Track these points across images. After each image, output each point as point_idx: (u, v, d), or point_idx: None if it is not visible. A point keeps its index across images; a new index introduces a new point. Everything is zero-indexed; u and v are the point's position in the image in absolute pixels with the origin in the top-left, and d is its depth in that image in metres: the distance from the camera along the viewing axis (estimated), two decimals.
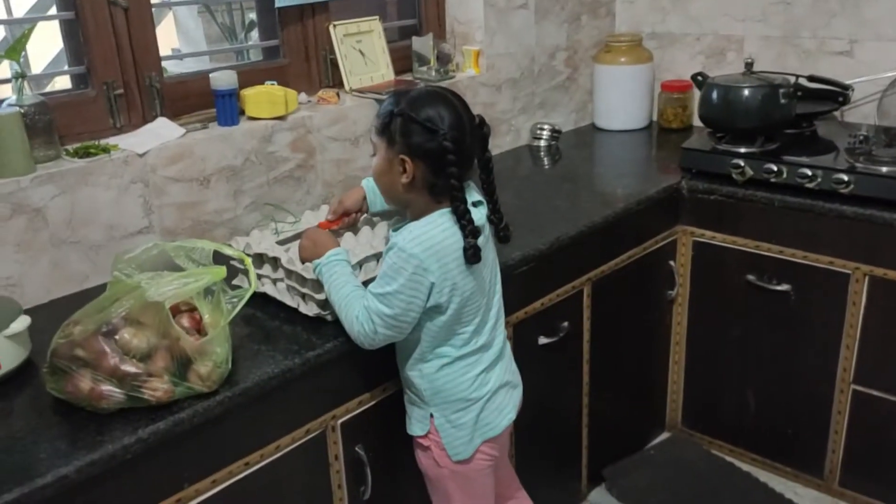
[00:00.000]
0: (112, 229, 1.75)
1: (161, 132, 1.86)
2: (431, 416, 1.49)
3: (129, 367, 1.25)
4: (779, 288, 2.16)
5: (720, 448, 2.45)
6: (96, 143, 1.77)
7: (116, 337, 1.26)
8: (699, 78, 2.33)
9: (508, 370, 1.56)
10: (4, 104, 1.64)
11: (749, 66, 2.25)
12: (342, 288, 1.44)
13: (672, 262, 2.33)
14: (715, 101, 2.25)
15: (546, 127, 2.69)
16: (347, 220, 1.71)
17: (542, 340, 1.94)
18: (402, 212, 1.62)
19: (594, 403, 2.19)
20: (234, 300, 1.33)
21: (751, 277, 2.20)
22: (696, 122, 2.78)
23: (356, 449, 1.56)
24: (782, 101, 2.15)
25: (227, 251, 1.38)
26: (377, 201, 1.70)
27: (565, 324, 2.00)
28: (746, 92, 2.18)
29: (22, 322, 1.38)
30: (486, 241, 1.46)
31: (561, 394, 2.10)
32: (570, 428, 2.17)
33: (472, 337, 1.46)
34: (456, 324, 1.44)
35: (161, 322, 1.27)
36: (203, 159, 1.88)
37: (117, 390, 1.25)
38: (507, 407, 1.54)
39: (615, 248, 2.14)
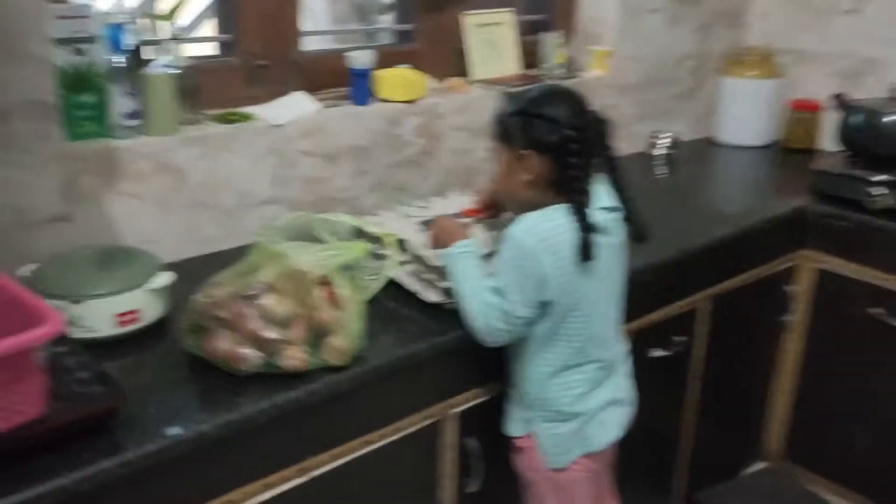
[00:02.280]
0: (243, 196, 1.78)
1: (298, 105, 1.88)
2: (531, 419, 1.46)
3: (269, 333, 1.26)
4: None
5: (820, 484, 2.35)
6: (238, 110, 1.79)
7: (259, 302, 1.27)
8: (838, 100, 2.23)
9: (620, 387, 1.52)
10: (156, 65, 1.68)
11: (894, 90, 2.15)
12: (466, 281, 1.42)
13: (790, 288, 2.25)
14: (859, 124, 2.16)
15: (665, 136, 2.63)
16: (492, 213, 1.66)
17: (655, 353, 1.90)
18: None
19: (697, 423, 2.12)
20: (374, 278, 1.33)
21: (876, 311, 2.11)
22: (823, 144, 2.69)
23: (468, 440, 1.55)
24: None
25: (370, 229, 1.38)
26: None
27: (680, 338, 1.95)
28: (892, 118, 2.08)
29: (165, 278, 1.41)
30: (613, 250, 1.42)
31: (665, 411, 2.05)
32: (669, 447, 2.12)
33: (583, 347, 1.41)
34: (565, 328, 1.39)
35: (303, 291, 1.27)
36: (334, 136, 1.89)
37: (256, 353, 1.26)
38: (612, 424, 1.49)
39: (737, 266, 2.08)
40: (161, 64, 1.68)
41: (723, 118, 2.80)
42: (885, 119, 2.11)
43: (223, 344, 1.27)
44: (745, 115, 2.74)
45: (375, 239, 1.46)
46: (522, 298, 1.34)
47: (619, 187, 1.45)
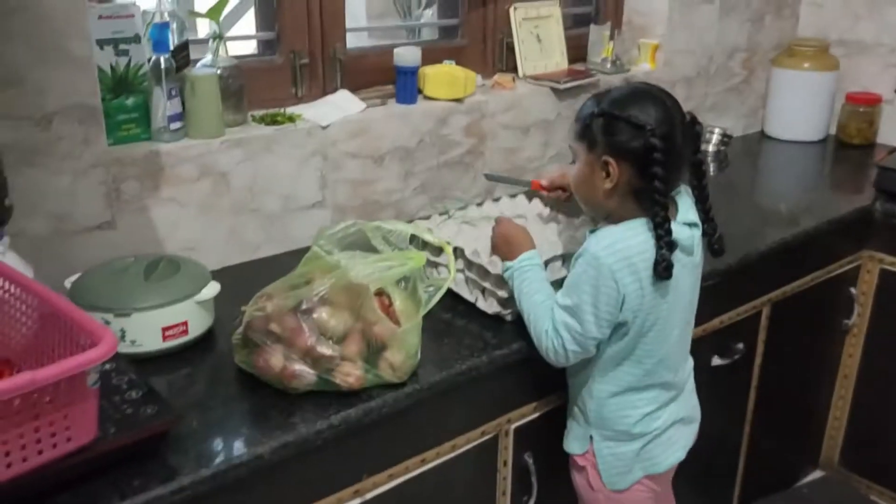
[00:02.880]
0: (287, 200, 1.72)
1: (342, 105, 1.81)
2: (591, 436, 1.39)
3: (325, 349, 1.20)
4: None
5: (881, 495, 2.26)
6: (282, 111, 1.73)
7: (314, 315, 1.21)
8: None
9: (687, 405, 1.44)
10: (200, 64, 1.62)
11: None
12: (533, 296, 1.34)
13: (852, 290, 2.15)
14: None
15: (716, 131, 2.53)
16: (559, 194, 1.60)
17: (716, 361, 1.82)
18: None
19: (755, 432, 2.04)
20: (431, 290, 1.26)
21: None
22: (881, 138, 2.58)
23: (525, 456, 1.48)
24: None
25: (427, 237, 1.31)
26: None
27: (740, 345, 1.86)
28: None
29: (213, 288, 1.35)
30: (692, 266, 1.34)
31: (724, 420, 1.97)
32: (728, 456, 2.04)
33: (653, 369, 1.33)
34: (636, 350, 1.31)
35: (358, 304, 1.21)
36: (380, 137, 1.82)
37: (310, 371, 1.20)
38: (676, 444, 1.42)
39: (798, 270, 1.99)
40: (205, 64, 1.62)
41: (775, 112, 2.70)
42: None
43: (276, 360, 1.21)
44: (799, 108, 2.64)
45: (433, 248, 1.39)
46: (596, 319, 1.26)
47: (703, 198, 1.36)
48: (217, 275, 1.61)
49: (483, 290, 1.46)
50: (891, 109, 2.55)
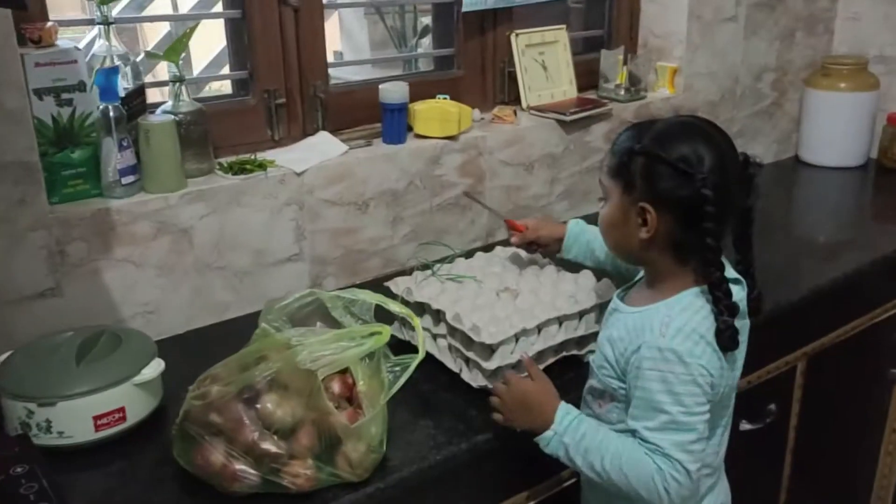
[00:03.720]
0: (260, 255, 1.56)
1: (322, 148, 1.65)
2: None
3: (269, 446, 1.03)
4: None
5: None
6: (252, 157, 1.58)
7: (258, 405, 1.05)
8: None
9: (724, 490, 1.24)
10: (159, 111, 1.48)
11: None
12: (608, 445, 1.07)
13: None
14: None
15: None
16: (528, 247, 1.47)
17: (745, 426, 1.61)
18: (607, 269, 1.36)
19: (792, 499, 1.82)
20: (397, 369, 1.09)
21: None
22: None
23: None
24: None
25: (392, 307, 1.14)
26: (576, 249, 1.44)
27: (772, 406, 1.65)
28: None
29: (155, 367, 1.19)
30: (746, 330, 1.14)
31: (757, 488, 1.75)
32: None
33: (712, 450, 1.14)
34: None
35: (312, 390, 1.04)
36: (364, 181, 1.66)
37: (252, 472, 1.03)
38: None
39: (837, 318, 1.77)
40: (164, 110, 1.48)
41: (809, 136, 2.48)
42: None
43: (216, 458, 1.04)
44: (836, 132, 2.42)
45: (401, 319, 1.22)
46: (702, 416, 1.04)
47: (746, 249, 1.17)
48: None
49: (468, 361, 1.28)
50: None
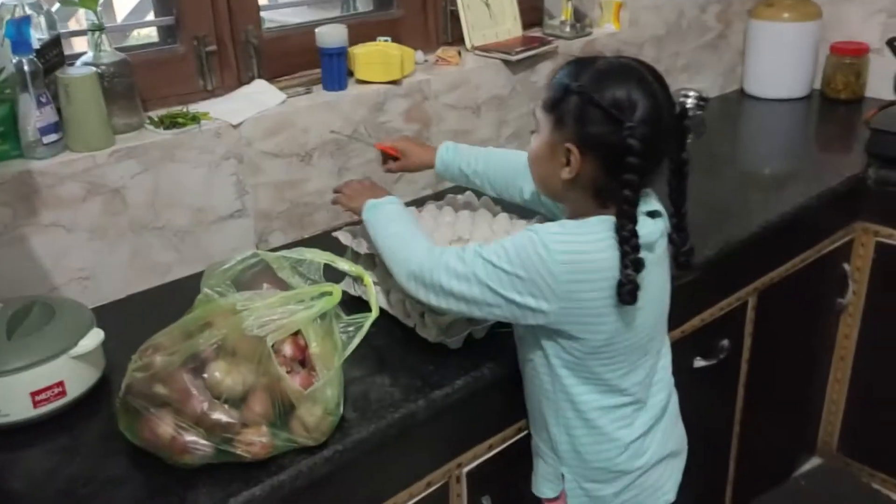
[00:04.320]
0: (200, 213, 1.49)
1: (258, 98, 1.57)
2: (563, 475, 1.18)
3: (220, 415, 0.98)
4: None
5: (883, 482, 2.09)
6: (184, 109, 1.50)
7: (205, 375, 1.00)
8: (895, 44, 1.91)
9: (673, 435, 1.23)
10: (79, 63, 1.38)
11: None
12: (405, 222, 1.19)
13: (846, 266, 1.95)
14: None
15: (691, 94, 2.28)
16: (389, 164, 1.46)
17: (699, 363, 1.62)
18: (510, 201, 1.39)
19: (745, 430, 1.85)
20: (351, 329, 1.05)
21: None
22: (870, 92, 2.36)
23: (482, 500, 1.29)
24: None
25: (342, 265, 1.09)
26: (449, 175, 1.43)
27: (725, 342, 1.66)
28: None
29: (93, 338, 1.13)
30: (657, 262, 1.12)
31: (710, 421, 1.78)
32: (717, 458, 1.85)
33: (621, 384, 1.12)
34: (597, 363, 1.10)
35: (260, 358, 0.99)
36: (305, 131, 1.59)
37: (204, 442, 0.99)
38: (665, 484, 1.21)
39: (786, 252, 1.78)
40: (84, 62, 1.38)
41: (753, 68, 2.46)
42: None
43: (164, 430, 0.99)
44: (780, 63, 2.41)
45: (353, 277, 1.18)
46: (504, 299, 1.05)
47: (679, 202, 1.14)
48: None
49: (423, 314, 1.25)
50: (879, 60, 2.33)
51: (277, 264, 1.08)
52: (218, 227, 1.52)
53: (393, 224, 1.19)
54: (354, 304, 1.26)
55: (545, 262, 1.02)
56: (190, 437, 0.98)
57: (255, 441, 0.99)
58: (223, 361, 1.00)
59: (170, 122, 1.45)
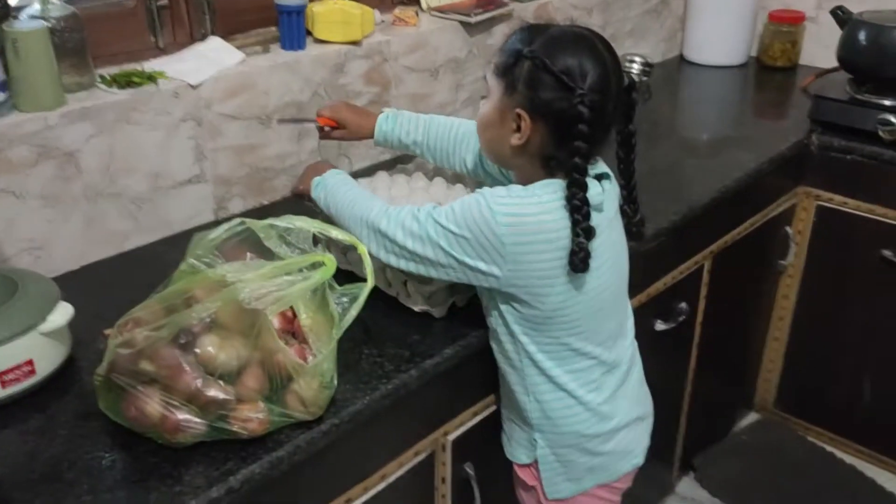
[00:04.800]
0: (158, 178, 1.42)
1: (215, 56, 1.50)
2: (535, 441, 1.19)
3: (216, 392, 0.94)
4: None
5: (818, 435, 2.20)
6: (139, 68, 1.41)
7: (197, 350, 0.95)
8: (839, 13, 1.96)
9: (639, 399, 1.25)
10: (24, 15, 1.28)
11: None
12: (357, 189, 1.20)
13: (788, 229, 2.02)
14: (862, 42, 1.89)
15: (636, 59, 2.31)
16: (324, 133, 1.41)
17: (660, 326, 1.65)
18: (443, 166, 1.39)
19: (696, 388, 1.91)
20: (345, 301, 1.02)
21: (887, 253, 1.90)
22: (805, 59, 2.44)
23: (465, 467, 1.28)
24: None
25: (334, 233, 1.05)
26: (389, 144, 1.41)
27: (683, 305, 1.70)
28: None
29: (63, 313, 1.06)
30: (611, 222, 1.13)
31: (667, 381, 1.82)
32: (669, 417, 1.91)
33: (584, 348, 1.13)
34: (555, 327, 1.10)
35: (257, 331, 0.95)
36: (266, 92, 1.52)
37: (197, 420, 0.94)
38: (636, 448, 1.24)
39: (738, 215, 1.83)
40: (29, 16, 1.28)
41: (694, 34, 2.50)
42: (893, 36, 1.85)
43: (152, 408, 0.94)
44: (719, 29, 2.45)
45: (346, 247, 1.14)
46: (457, 229, 1.05)
47: (628, 174, 1.16)
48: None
49: (405, 283, 1.22)
50: (814, 27, 2.40)
51: (265, 233, 1.04)
52: (176, 193, 1.45)
53: (341, 193, 1.19)
54: (338, 275, 1.22)
55: (489, 224, 1.03)
56: (182, 415, 0.94)
57: (252, 417, 0.96)
58: (215, 336, 0.96)
59: (124, 82, 1.36)
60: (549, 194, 1.05)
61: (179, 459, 0.94)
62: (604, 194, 1.09)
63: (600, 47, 1.05)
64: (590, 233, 1.03)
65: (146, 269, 1.35)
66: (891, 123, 1.81)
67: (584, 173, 1.03)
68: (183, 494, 0.90)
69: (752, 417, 2.29)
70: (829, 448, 2.16)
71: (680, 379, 1.86)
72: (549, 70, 1.01)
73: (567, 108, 1.01)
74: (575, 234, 1.03)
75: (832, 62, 2.19)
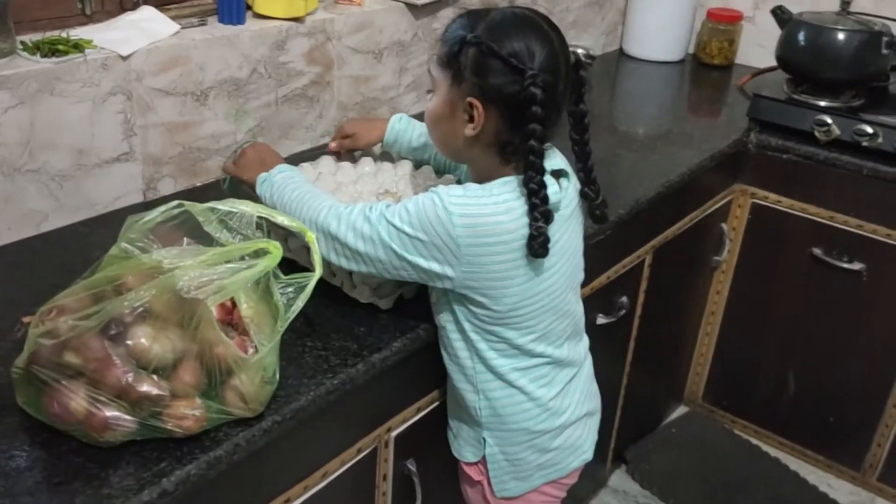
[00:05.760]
0: (82, 155, 1.32)
1: (147, 26, 1.40)
2: (484, 439, 1.16)
3: (149, 387, 0.87)
4: (849, 266, 1.91)
5: (744, 428, 2.24)
6: (63, 35, 1.31)
7: (129, 341, 0.88)
8: (780, 12, 1.99)
9: (589, 394, 1.24)
10: None
11: (846, 4, 1.92)
12: (305, 187, 1.13)
13: (724, 226, 2.05)
14: (801, 43, 1.92)
15: (579, 51, 2.29)
16: (342, 155, 1.41)
17: (601, 320, 1.64)
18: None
19: (631, 382, 1.92)
20: (290, 291, 0.96)
21: (817, 251, 1.95)
22: (741, 59, 2.47)
23: (407, 464, 1.24)
24: (884, 51, 1.84)
25: (280, 219, 0.99)
26: (398, 146, 1.39)
27: (624, 299, 1.70)
28: (842, 36, 1.86)
29: None
30: (567, 221, 1.11)
31: (604, 374, 1.81)
32: (605, 410, 1.88)
33: (535, 348, 1.10)
34: (506, 328, 1.08)
35: (196, 322, 0.89)
36: (201, 67, 1.44)
37: (128, 417, 0.87)
38: (584, 444, 1.23)
39: (679, 212, 1.84)
40: None
41: (633, 29, 2.51)
42: (830, 37, 1.88)
43: (77, 404, 0.87)
44: (659, 25, 2.46)
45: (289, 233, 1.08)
46: (411, 230, 1.01)
47: (584, 156, 1.13)
48: None
49: (350, 273, 1.17)
50: (751, 27, 2.44)
51: (204, 217, 0.97)
52: (101, 171, 1.35)
53: (288, 191, 1.12)
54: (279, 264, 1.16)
55: (444, 226, 0.99)
56: (111, 412, 0.87)
57: (188, 414, 0.89)
58: (149, 327, 0.89)
59: (48, 50, 1.26)
60: (506, 193, 1.02)
61: (107, 459, 0.87)
62: (561, 192, 1.07)
63: (545, 27, 1.03)
64: (548, 216, 1.01)
65: (67, 251, 1.26)
66: (826, 125, 1.85)
67: (540, 156, 1.01)
68: (111, 498, 0.83)
69: (681, 410, 2.32)
70: (754, 441, 2.20)
71: (617, 373, 1.86)
72: (496, 54, 0.99)
73: (518, 91, 0.98)
74: (533, 219, 1.00)
75: (767, 62, 2.24)
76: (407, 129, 1.38)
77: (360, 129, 1.40)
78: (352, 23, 1.68)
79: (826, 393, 2.06)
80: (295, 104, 1.62)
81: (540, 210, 1.00)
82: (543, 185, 1.01)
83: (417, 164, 1.37)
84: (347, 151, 1.42)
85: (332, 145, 1.41)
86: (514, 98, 0.99)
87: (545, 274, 1.06)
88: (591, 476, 1.99)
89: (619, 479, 2.07)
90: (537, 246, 1.00)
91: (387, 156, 1.40)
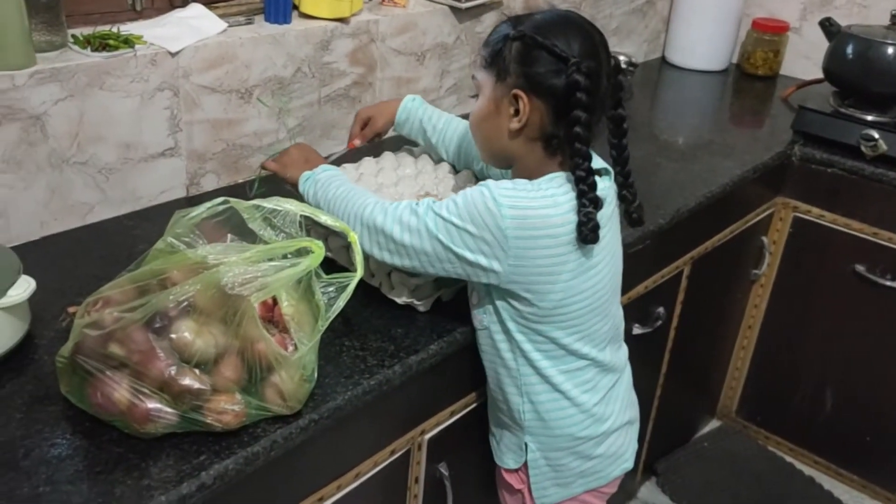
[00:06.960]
0: (128, 149, 1.34)
1: (196, 24, 1.42)
2: (526, 445, 1.16)
3: (191, 381, 0.88)
4: (892, 284, 1.87)
5: (777, 445, 2.21)
6: (114, 30, 1.33)
7: (172, 335, 0.89)
8: (828, 24, 1.96)
9: (630, 402, 1.23)
10: None
11: None
12: (348, 185, 1.13)
13: (764, 239, 2.02)
14: (850, 55, 1.89)
15: (622, 58, 2.27)
16: (364, 141, 1.41)
17: (637, 330, 1.63)
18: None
19: (665, 394, 1.90)
20: (331, 291, 0.96)
21: (860, 268, 1.91)
22: (786, 70, 2.44)
23: (439, 468, 1.24)
24: None
25: (324, 218, 1.00)
26: (409, 126, 1.39)
27: (661, 310, 1.68)
28: (892, 51, 1.83)
29: (24, 287, 0.98)
30: (609, 220, 1.10)
31: (639, 385, 1.80)
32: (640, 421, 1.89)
33: (580, 349, 1.10)
34: (552, 327, 1.07)
35: (239, 318, 0.89)
36: (247, 66, 1.45)
37: (169, 410, 0.88)
38: (626, 452, 1.22)
39: (719, 222, 1.82)
40: None
41: (677, 37, 2.49)
42: (881, 51, 1.85)
43: (120, 395, 0.88)
44: (704, 34, 2.44)
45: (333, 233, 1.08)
46: (460, 222, 1.00)
47: (622, 160, 1.12)
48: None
49: (389, 274, 1.17)
50: (797, 38, 2.41)
51: (249, 214, 0.98)
52: (147, 165, 1.37)
53: (333, 188, 1.13)
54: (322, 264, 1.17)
55: (494, 217, 0.99)
56: (153, 404, 0.88)
57: (228, 409, 0.90)
58: (192, 321, 0.90)
59: (99, 44, 1.27)
60: (553, 188, 1.02)
61: (147, 451, 0.88)
62: (604, 189, 1.06)
63: (587, 26, 1.05)
64: (597, 202, 1.01)
65: (112, 243, 1.28)
66: (873, 139, 1.81)
67: (587, 143, 1.01)
68: (151, 489, 0.84)
69: (713, 424, 2.29)
70: (788, 458, 2.17)
71: (651, 383, 1.84)
72: (540, 44, 1.00)
73: (564, 80, 0.99)
74: (582, 205, 1.01)
75: (813, 74, 2.21)
76: (419, 109, 1.38)
77: (375, 112, 1.39)
78: (396, 24, 1.68)
79: (864, 412, 2.02)
80: (337, 104, 1.63)
81: (588, 196, 1.01)
82: (591, 172, 1.01)
83: (455, 167, 1.37)
84: (370, 140, 1.40)
85: (356, 142, 1.39)
86: (560, 88, 1.00)
87: (590, 272, 1.06)
88: (621, 487, 1.94)
89: (649, 490, 2.05)
90: (587, 231, 1.01)
91: (427, 158, 1.40)
